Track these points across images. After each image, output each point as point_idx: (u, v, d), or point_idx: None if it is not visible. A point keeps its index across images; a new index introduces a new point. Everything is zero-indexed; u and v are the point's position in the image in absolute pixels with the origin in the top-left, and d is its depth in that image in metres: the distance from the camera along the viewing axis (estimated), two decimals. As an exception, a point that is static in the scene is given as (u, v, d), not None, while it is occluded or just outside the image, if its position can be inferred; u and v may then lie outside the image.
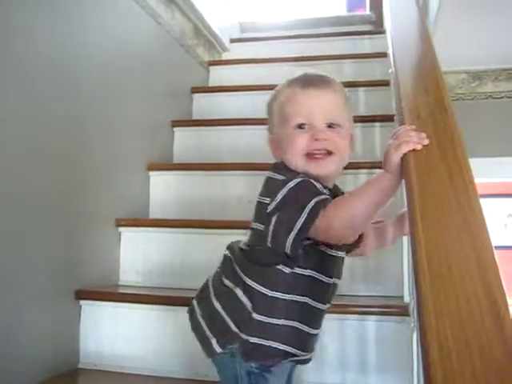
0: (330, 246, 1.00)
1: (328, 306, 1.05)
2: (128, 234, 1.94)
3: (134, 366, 1.59)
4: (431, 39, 1.29)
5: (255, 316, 0.98)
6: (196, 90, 2.81)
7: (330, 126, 1.00)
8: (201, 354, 1.54)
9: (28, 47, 1.47)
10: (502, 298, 0.56)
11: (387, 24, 1.82)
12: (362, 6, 4.40)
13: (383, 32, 2.62)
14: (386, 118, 2.15)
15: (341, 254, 1.05)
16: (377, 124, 2.27)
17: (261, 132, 2.30)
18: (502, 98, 3.66)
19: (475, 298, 0.57)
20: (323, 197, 0.92)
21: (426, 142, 0.83)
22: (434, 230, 0.67)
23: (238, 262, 1.04)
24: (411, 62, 1.26)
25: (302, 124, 1.00)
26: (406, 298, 1.50)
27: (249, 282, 1.00)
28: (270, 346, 0.98)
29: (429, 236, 0.66)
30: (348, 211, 0.90)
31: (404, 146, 0.84)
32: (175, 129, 2.50)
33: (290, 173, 0.98)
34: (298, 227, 0.90)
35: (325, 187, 0.98)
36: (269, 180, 1.01)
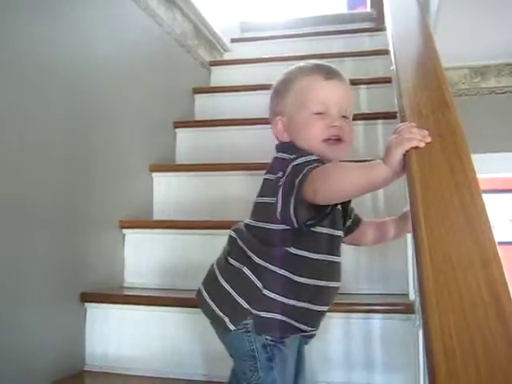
0: (329, 225, 1.05)
1: (338, 283, 1.09)
2: (132, 236, 1.94)
3: (140, 368, 1.59)
4: (432, 35, 1.29)
5: (266, 293, 1.03)
6: (198, 90, 2.81)
7: (343, 116, 1.09)
8: (206, 355, 1.55)
9: (29, 49, 1.47)
10: (505, 294, 0.56)
11: (388, 21, 1.81)
12: (362, 4, 4.40)
13: (384, 29, 2.61)
14: (389, 116, 2.15)
15: (338, 233, 1.09)
16: (379, 121, 2.26)
17: (263, 132, 2.30)
18: (504, 93, 3.64)
19: (479, 294, 0.56)
20: (315, 164, 0.96)
21: (429, 139, 0.83)
22: (436, 226, 0.67)
23: (245, 241, 1.08)
24: (412, 58, 1.26)
25: (321, 112, 1.07)
26: (412, 296, 1.49)
27: (257, 260, 1.04)
28: (281, 320, 1.03)
29: (431, 233, 0.65)
30: (335, 185, 0.93)
31: (406, 143, 0.84)
32: (177, 130, 2.50)
33: (300, 152, 1.03)
34: (294, 192, 0.95)
35: None
36: (277, 159, 1.07)
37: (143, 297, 1.72)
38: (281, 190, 0.98)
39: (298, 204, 0.95)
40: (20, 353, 1.39)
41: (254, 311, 1.03)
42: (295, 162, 0.99)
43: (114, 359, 1.63)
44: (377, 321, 1.47)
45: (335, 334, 1.48)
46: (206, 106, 2.77)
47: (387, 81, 2.32)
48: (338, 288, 1.09)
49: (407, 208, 1.10)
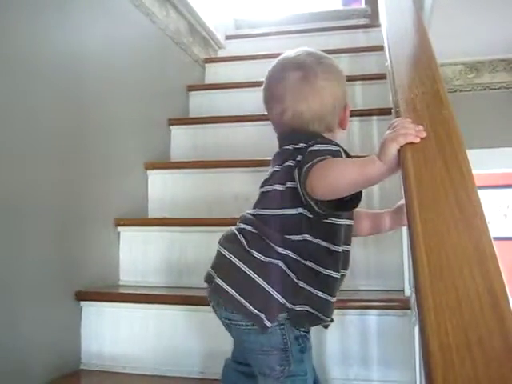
0: (347, 216, 1.06)
1: (348, 271, 1.11)
2: (127, 234, 1.94)
3: (136, 366, 1.59)
4: (426, 31, 1.29)
5: (301, 285, 1.01)
6: (192, 87, 2.80)
7: None
8: (202, 352, 1.55)
9: (22, 48, 1.46)
10: (501, 289, 0.56)
11: (382, 17, 1.81)
12: (357, 0, 4.39)
13: (379, 25, 2.61)
14: (384, 112, 2.14)
15: (352, 222, 1.09)
16: (374, 118, 2.26)
17: (258, 129, 2.31)
18: (499, 88, 3.65)
19: (475, 289, 0.56)
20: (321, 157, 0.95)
21: (423, 134, 0.83)
22: (432, 222, 0.67)
23: (261, 230, 1.05)
24: (407, 54, 1.26)
25: None
26: (407, 292, 1.49)
27: (280, 250, 1.02)
28: (310, 313, 1.03)
29: (427, 229, 0.65)
30: (330, 182, 0.93)
31: (401, 139, 0.84)
32: (172, 127, 2.49)
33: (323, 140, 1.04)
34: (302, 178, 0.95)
35: None
36: (298, 149, 1.04)
37: (138, 295, 1.72)
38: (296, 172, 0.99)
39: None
40: (15, 352, 1.39)
41: (289, 305, 1.01)
42: (314, 148, 0.99)
43: (110, 357, 1.63)
44: (373, 317, 1.47)
45: (331, 331, 1.48)
46: (200, 103, 2.76)
47: (382, 77, 2.32)
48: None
49: (402, 201, 1.11)
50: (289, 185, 1.02)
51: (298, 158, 1.01)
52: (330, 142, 1.04)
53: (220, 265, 1.09)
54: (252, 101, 2.59)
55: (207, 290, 1.11)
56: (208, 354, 1.55)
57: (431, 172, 0.76)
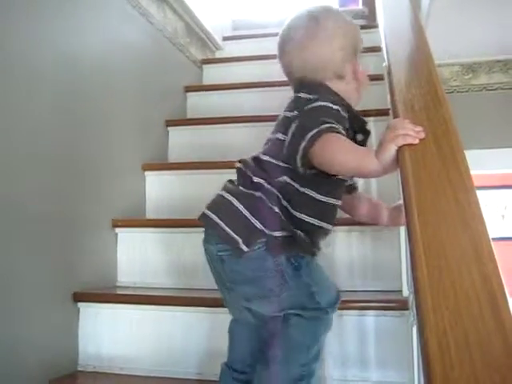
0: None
1: (339, 201, 1.15)
2: (124, 235, 1.94)
3: (133, 367, 1.59)
4: (424, 31, 1.29)
5: (276, 210, 1.05)
6: (190, 88, 2.80)
7: None
8: (199, 354, 1.55)
9: (19, 49, 1.46)
10: (500, 290, 0.56)
11: (379, 18, 1.81)
12: (354, 1, 4.39)
13: (376, 26, 2.61)
14: (381, 113, 2.15)
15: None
16: (371, 119, 2.25)
17: (256, 130, 2.30)
18: (496, 89, 3.66)
19: (473, 290, 0.56)
20: (329, 125, 0.98)
21: (423, 135, 0.83)
22: (430, 223, 0.67)
23: (254, 171, 1.11)
24: (404, 55, 1.26)
25: None
26: (405, 292, 1.49)
27: (268, 187, 1.07)
28: (292, 237, 1.06)
29: (425, 229, 0.65)
30: (330, 158, 0.98)
31: (400, 140, 0.85)
32: (169, 128, 2.49)
33: (331, 95, 1.08)
34: (305, 142, 0.98)
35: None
36: (300, 99, 1.09)
37: (136, 296, 1.72)
38: (293, 129, 1.03)
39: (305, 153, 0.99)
40: (12, 353, 1.38)
41: (267, 231, 1.05)
42: (325, 103, 1.02)
43: (108, 359, 1.62)
44: (371, 318, 1.47)
45: (329, 332, 1.48)
46: (198, 104, 2.76)
47: (379, 78, 2.32)
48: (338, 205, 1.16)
49: (400, 201, 1.12)
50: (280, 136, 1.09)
51: (294, 113, 1.06)
52: (333, 97, 1.07)
53: (214, 202, 1.15)
54: (250, 101, 2.60)
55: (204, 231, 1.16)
56: (206, 355, 1.55)
57: (430, 173, 0.76)
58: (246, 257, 1.05)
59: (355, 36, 1.19)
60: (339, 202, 1.14)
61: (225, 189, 1.15)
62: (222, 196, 1.14)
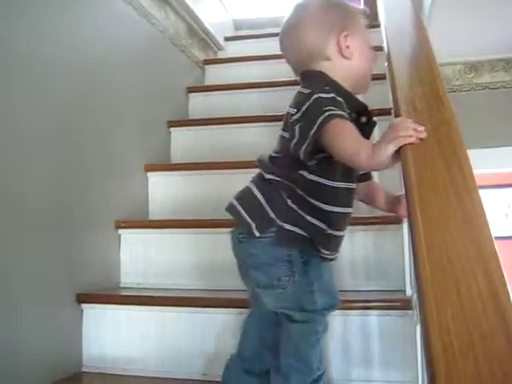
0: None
1: (349, 209, 1.17)
2: (128, 236, 1.94)
3: (137, 368, 1.59)
4: (425, 30, 1.29)
5: (289, 203, 1.09)
6: (192, 89, 2.80)
7: None
8: (202, 354, 1.55)
9: (25, 49, 1.46)
10: (503, 288, 0.56)
11: (381, 17, 1.81)
12: (356, 1, 4.39)
13: (378, 26, 2.61)
14: (383, 112, 2.14)
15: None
16: (374, 118, 2.25)
17: (258, 130, 2.31)
18: (498, 88, 3.65)
19: (476, 289, 0.56)
20: (330, 113, 0.99)
21: (424, 134, 0.83)
22: (433, 222, 0.67)
23: (270, 170, 1.15)
24: (406, 53, 1.26)
25: None
26: (408, 292, 1.49)
27: (281, 180, 1.12)
28: (302, 236, 1.09)
29: (428, 229, 0.65)
30: (336, 143, 0.98)
31: (401, 141, 0.85)
32: (172, 129, 2.49)
33: (328, 84, 1.09)
34: (315, 128, 0.99)
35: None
36: (301, 94, 1.09)
37: (140, 297, 1.72)
38: (299, 124, 1.04)
39: (308, 150, 1.02)
40: (16, 355, 1.39)
41: (279, 221, 1.09)
42: (318, 96, 1.03)
43: (112, 360, 1.63)
44: (374, 317, 1.47)
45: (333, 331, 1.48)
46: (200, 104, 2.76)
47: (382, 77, 2.31)
48: (351, 214, 1.17)
49: (399, 194, 1.18)
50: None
51: (294, 110, 1.07)
52: (326, 86, 1.08)
53: (241, 191, 1.21)
54: (252, 102, 2.60)
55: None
56: (210, 355, 1.55)
57: (432, 172, 0.76)
58: (261, 241, 1.10)
59: (336, 15, 1.17)
60: (353, 186, 1.16)
61: (251, 180, 1.21)
62: (247, 186, 1.20)
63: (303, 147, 1.02)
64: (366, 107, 1.18)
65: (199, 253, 1.84)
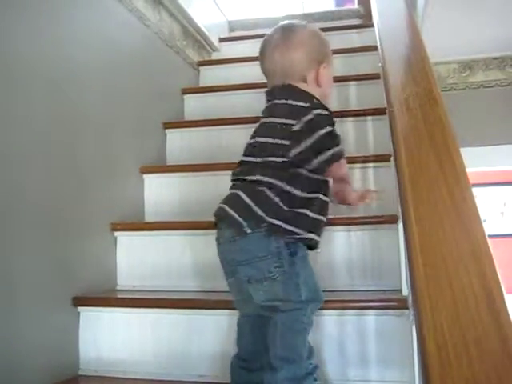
0: None
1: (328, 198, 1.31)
2: (124, 238, 1.93)
3: (135, 371, 1.58)
4: (418, 30, 1.29)
5: (277, 201, 1.20)
6: (187, 90, 2.80)
7: None
8: (201, 356, 1.55)
9: (14, 49, 1.46)
10: (497, 287, 0.56)
11: (375, 17, 1.81)
12: (350, 1, 4.40)
13: (372, 25, 2.61)
14: (378, 112, 2.15)
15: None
16: (369, 118, 2.26)
17: (252, 131, 2.29)
18: (493, 86, 3.66)
19: (470, 288, 0.56)
20: (342, 147, 1.24)
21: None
22: (427, 222, 0.67)
23: (258, 173, 1.25)
24: (399, 53, 1.26)
25: None
26: (405, 291, 1.49)
27: (273, 181, 1.22)
28: (286, 227, 1.20)
29: (422, 228, 0.65)
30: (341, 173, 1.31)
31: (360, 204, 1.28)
32: (167, 130, 2.49)
33: (315, 101, 1.25)
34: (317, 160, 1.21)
35: None
36: (294, 107, 1.25)
37: (136, 299, 1.71)
38: (308, 142, 1.20)
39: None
40: (13, 358, 1.38)
41: (267, 218, 1.19)
42: (319, 112, 1.22)
43: (109, 363, 1.62)
44: (371, 317, 1.47)
45: (329, 332, 1.48)
46: (195, 106, 2.76)
47: (376, 77, 2.32)
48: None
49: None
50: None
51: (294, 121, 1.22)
52: (319, 102, 1.26)
53: (226, 197, 1.32)
54: (247, 103, 2.60)
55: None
56: (206, 357, 1.54)
57: (425, 171, 0.76)
58: (252, 236, 1.20)
59: (321, 47, 1.35)
60: (328, 179, 1.30)
61: (233, 186, 1.32)
62: (231, 192, 1.31)
63: (309, 161, 1.21)
64: None
65: (195, 254, 1.84)
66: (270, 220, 1.19)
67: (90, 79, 1.84)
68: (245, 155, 1.34)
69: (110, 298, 1.74)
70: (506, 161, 3.92)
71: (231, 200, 1.28)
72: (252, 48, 3.18)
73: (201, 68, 3.09)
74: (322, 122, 1.21)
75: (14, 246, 1.42)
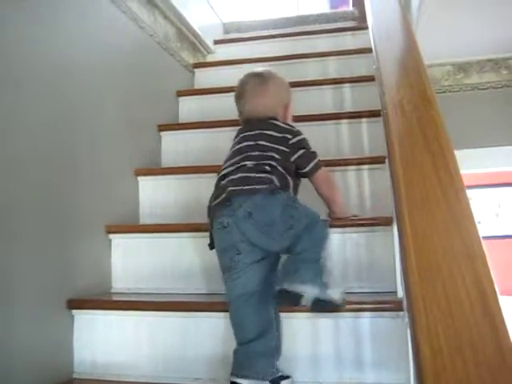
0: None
1: None
2: (118, 241, 1.93)
3: (130, 374, 1.58)
4: (413, 32, 1.29)
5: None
6: (181, 93, 2.80)
7: None
8: (197, 359, 1.54)
9: (11, 52, 1.45)
10: (491, 290, 0.56)
11: (369, 19, 1.81)
12: (344, 3, 4.41)
13: (367, 28, 2.62)
14: (373, 114, 2.15)
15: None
16: (363, 120, 2.26)
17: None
18: (487, 88, 3.67)
19: (465, 291, 0.56)
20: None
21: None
22: (421, 224, 0.67)
23: (266, 160, 1.51)
24: (394, 56, 1.26)
25: None
26: (400, 294, 1.49)
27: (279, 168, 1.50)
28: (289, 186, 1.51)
29: (416, 230, 0.65)
30: (331, 184, 1.66)
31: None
32: (162, 133, 2.48)
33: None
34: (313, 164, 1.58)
35: None
36: (286, 125, 1.62)
37: (131, 302, 1.71)
38: (301, 151, 1.56)
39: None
40: (6, 361, 1.37)
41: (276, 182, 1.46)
42: (304, 139, 1.60)
43: (104, 366, 1.61)
44: (366, 319, 1.47)
45: (325, 334, 1.48)
46: (190, 108, 2.76)
47: (371, 79, 2.32)
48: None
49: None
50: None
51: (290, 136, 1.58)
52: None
53: (233, 182, 1.49)
54: (241, 105, 2.59)
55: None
56: (203, 360, 1.54)
57: (420, 173, 0.76)
58: (280, 192, 1.43)
59: (288, 89, 1.75)
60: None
61: (239, 171, 1.51)
62: (239, 175, 1.49)
63: (313, 163, 1.58)
64: None
65: (191, 257, 1.84)
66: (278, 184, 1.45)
67: (83, 81, 1.83)
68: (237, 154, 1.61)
69: (104, 301, 1.73)
70: (501, 162, 3.94)
71: (243, 180, 1.46)
72: (247, 50, 3.21)
73: (196, 70, 3.09)
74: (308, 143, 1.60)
75: (8, 248, 1.41)
